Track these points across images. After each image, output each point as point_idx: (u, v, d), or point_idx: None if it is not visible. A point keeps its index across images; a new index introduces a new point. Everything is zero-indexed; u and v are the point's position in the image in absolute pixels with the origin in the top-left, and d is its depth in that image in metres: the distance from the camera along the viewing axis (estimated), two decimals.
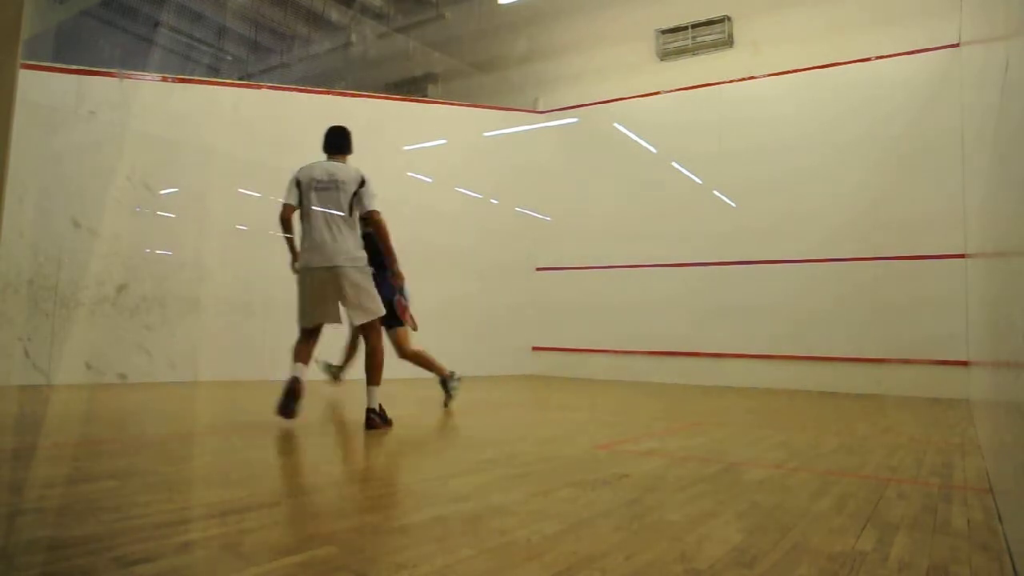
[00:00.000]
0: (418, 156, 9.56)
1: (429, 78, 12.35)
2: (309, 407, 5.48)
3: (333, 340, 5.72)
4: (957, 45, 7.89)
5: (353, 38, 12.33)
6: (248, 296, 7.61)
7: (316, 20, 12.24)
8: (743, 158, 9.09)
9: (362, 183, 4.37)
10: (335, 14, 12.06)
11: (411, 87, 12.35)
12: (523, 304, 10.28)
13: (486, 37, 11.39)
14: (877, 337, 8.04)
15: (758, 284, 8.82)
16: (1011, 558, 1.79)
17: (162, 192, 6.99)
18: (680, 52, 9.93)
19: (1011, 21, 1.87)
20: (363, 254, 4.31)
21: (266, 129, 7.87)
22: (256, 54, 13.20)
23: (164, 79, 7.26)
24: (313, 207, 4.32)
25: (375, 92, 10.66)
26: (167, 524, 1.93)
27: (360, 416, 4.30)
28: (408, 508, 2.21)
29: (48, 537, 1.77)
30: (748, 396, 7.57)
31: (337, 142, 4.53)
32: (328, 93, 8.82)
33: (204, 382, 6.97)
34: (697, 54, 9.83)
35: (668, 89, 9.83)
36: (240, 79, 12.20)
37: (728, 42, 9.61)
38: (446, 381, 5.51)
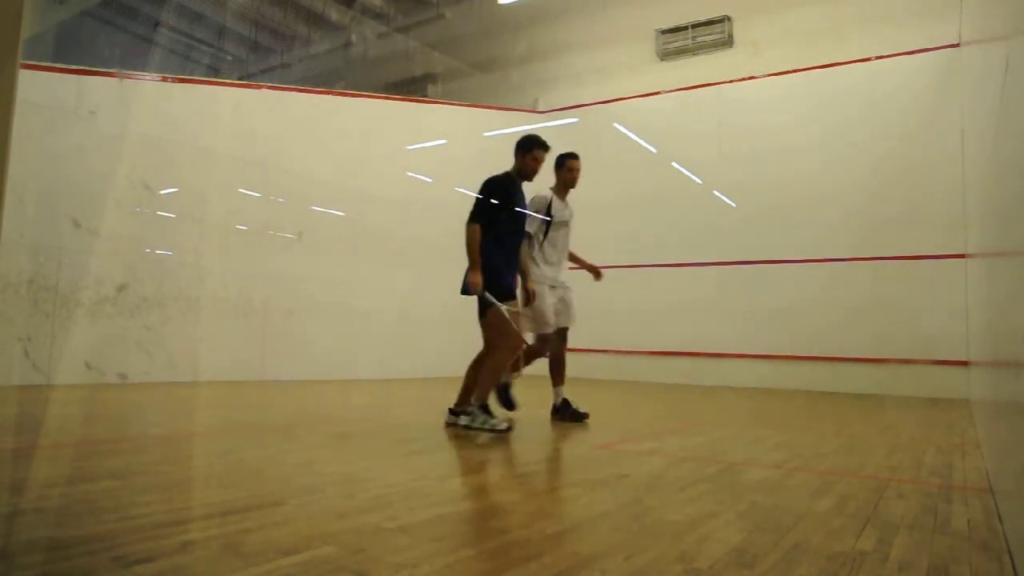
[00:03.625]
0: (418, 156, 9.57)
1: (429, 78, 12.35)
2: (312, 408, 5.47)
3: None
4: (957, 45, 7.89)
5: (353, 38, 12.33)
6: (248, 296, 7.62)
7: (316, 20, 12.23)
8: (743, 158, 9.09)
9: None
10: (335, 14, 12.05)
11: (411, 87, 12.35)
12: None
13: (486, 37, 11.39)
14: (877, 337, 8.04)
15: (758, 284, 8.82)
16: (1011, 558, 1.79)
17: (162, 192, 6.99)
18: (680, 52, 9.93)
19: (1011, 21, 1.87)
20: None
21: (266, 129, 7.88)
22: (256, 54, 13.20)
23: (164, 79, 7.26)
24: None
25: (375, 92, 10.66)
26: (167, 524, 1.93)
27: (362, 417, 4.29)
28: (408, 508, 2.21)
29: (48, 537, 1.77)
30: (748, 396, 7.58)
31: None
32: (328, 93, 8.82)
33: (204, 382, 6.97)
34: (697, 54, 9.83)
35: (668, 89, 9.83)
36: (240, 79, 12.21)
37: (728, 42, 9.61)
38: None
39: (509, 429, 3.88)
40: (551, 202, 4.72)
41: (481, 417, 3.97)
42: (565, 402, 4.73)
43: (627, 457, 3.43)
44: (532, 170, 4.33)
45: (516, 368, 4.84)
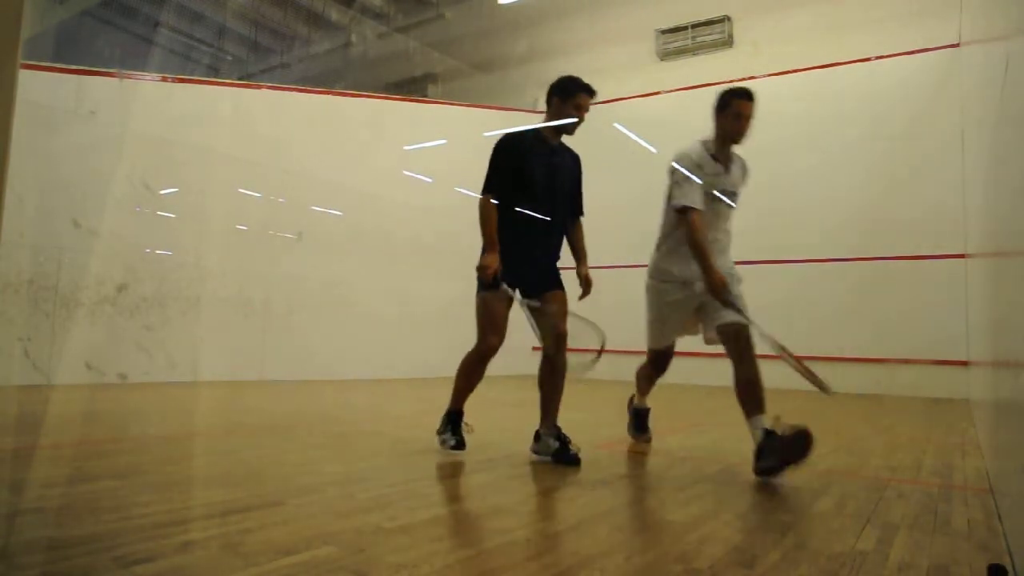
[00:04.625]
0: (418, 156, 9.57)
1: (429, 78, 12.35)
2: (312, 408, 5.47)
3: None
4: (957, 45, 7.89)
5: (353, 38, 12.33)
6: (248, 296, 7.62)
7: (316, 20, 12.23)
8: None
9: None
10: (335, 14, 12.05)
11: (411, 87, 12.35)
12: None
13: (486, 37, 11.39)
14: (877, 337, 8.04)
15: (758, 284, 8.78)
16: (1011, 558, 1.79)
17: (162, 192, 6.99)
18: (680, 52, 9.93)
19: (1011, 21, 1.87)
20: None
21: (266, 129, 7.88)
22: (256, 54, 13.20)
23: (164, 79, 7.26)
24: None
25: (375, 92, 10.66)
26: (167, 524, 1.93)
27: (362, 417, 4.28)
28: (408, 508, 2.21)
29: (48, 537, 1.77)
30: None
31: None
32: (328, 93, 8.82)
33: (204, 382, 6.97)
34: (697, 54, 9.83)
35: (668, 89, 9.83)
36: (240, 79, 12.20)
37: (728, 42, 9.61)
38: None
39: (457, 447, 3.28)
40: (700, 160, 3.28)
41: (442, 426, 3.40)
42: (769, 436, 2.87)
43: (627, 457, 3.44)
44: (574, 117, 3.40)
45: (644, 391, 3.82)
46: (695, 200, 3.19)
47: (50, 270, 6.06)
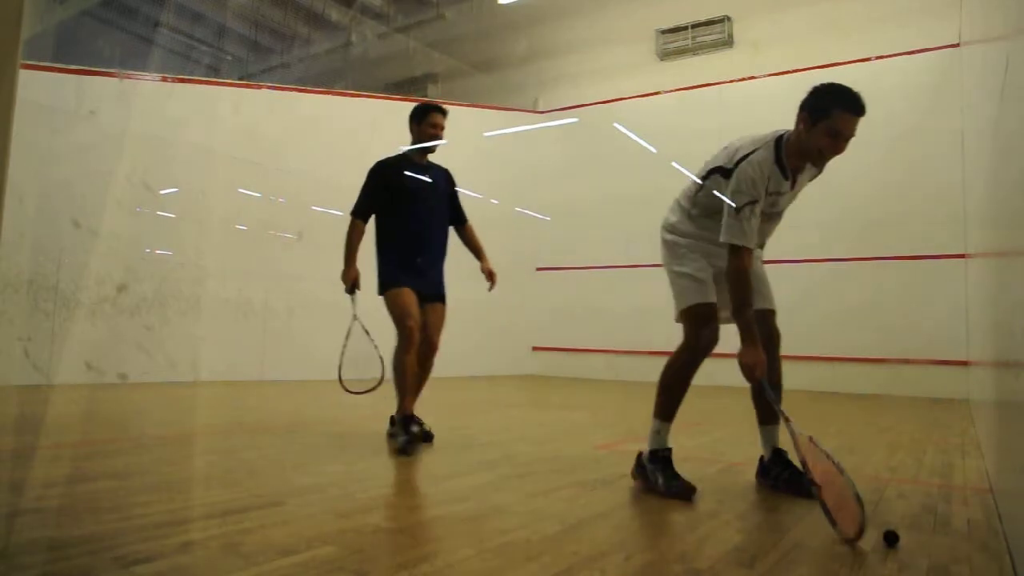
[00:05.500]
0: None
1: (429, 78, 12.34)
2: (311, 408, 5.47)
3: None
4: (957, 45, 7.89)
5: (353, 38, 12.33)
6: (248, 296, 7.62)
7: (316, 20, 12.23)
8: None
9: None
10: (335, 14, 12.05)
11: (411, 87, 12.34)
12: (523, 304, 10.28)
13: (486, 37, 11.39)
14: (877, 337, 8.03)
15: None
16: (1011, 558, 1.79)
17: (162, 192, 6.99)
18: (680, 52, 9.93)
19: (1011, 21, 1.87)
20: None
21: (266, 129, 7.88)
22: (256, 54, 13.19)
23: (164, 79, 7.26)
24: None
25: (375, 92, 10.66)
26: (167, 524, 1.93)
27: (361, 416, 4.28)
28: (408, 508, 2.21)
29: (48, 537, 1.77)
30: (748, 396, 7.57)
31: None
32: (328, 93, 8.82)
33: (204, 382, 6.97)
34: (697, 54, 9.82)
35: (668, 89, 9.83)
36: (240, 79, 12.20)
37: (728, 42, 9.61)
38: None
39: (410, 445, 3.29)
40: (767, 179, 2.66)
41: (401, 435, 3.41)
42: (777, 455, 2.74)
43: (627, 457, 3.43)
44: (431, 137, 3.78)
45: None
46: (749, 239, 2.59)
47: (50, 270, 6.06)
